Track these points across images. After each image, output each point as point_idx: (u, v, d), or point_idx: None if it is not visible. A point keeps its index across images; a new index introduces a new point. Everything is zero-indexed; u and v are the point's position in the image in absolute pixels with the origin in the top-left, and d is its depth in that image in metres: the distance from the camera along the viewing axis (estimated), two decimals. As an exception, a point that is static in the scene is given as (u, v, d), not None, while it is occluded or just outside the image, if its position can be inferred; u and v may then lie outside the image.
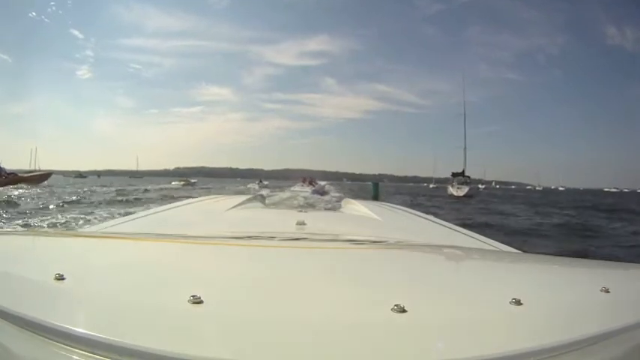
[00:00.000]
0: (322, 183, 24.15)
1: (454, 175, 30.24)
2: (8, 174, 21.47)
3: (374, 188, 18.35)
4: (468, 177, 29.71)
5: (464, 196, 24.85)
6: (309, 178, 26.32)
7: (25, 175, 22.85)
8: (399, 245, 1.16)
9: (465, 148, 34.35)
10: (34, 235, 1.44)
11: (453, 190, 26.51)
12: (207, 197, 2.64)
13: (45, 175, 24.06)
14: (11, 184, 19.42)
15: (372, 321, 0.45)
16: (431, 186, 60.50)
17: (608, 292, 0.58)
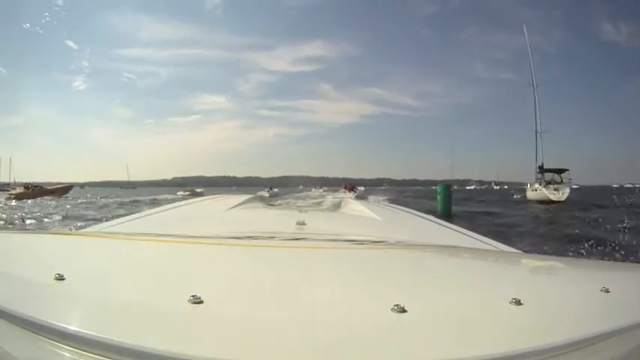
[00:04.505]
0: (361, 189, 23.46)
1: (544, 170, 19.52)
2: (35, 187, 22.42)
3: (443, 194, 10.68)
4: (564, 170, 18.95)
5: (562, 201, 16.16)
6: (349, 184, 25.87)
7: (50, 187, 23.66)
8: (399, 245, 1.16)
9: (536, 132, 21.93)
10: (34, 235, 1.45)
11: (547, 193, 16.93)
12: (207, 197, 2.63)
13: (67, 188, 24.89)
14: (39, 197, 20.01)
15: (372, 321, 0.46)
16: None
17: (608, 292, 0.58)
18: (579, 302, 0.57)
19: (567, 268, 0.94)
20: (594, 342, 0.44)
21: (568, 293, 0.63)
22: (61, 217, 9.77)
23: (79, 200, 18.74)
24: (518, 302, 0.50)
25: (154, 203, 17.67)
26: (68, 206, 14.21)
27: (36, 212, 11.25)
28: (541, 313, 0.51)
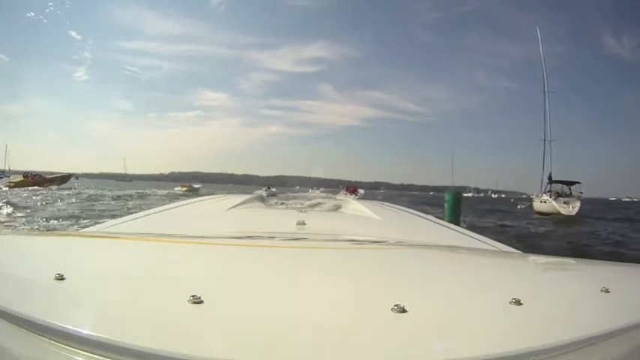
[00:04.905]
0: (362, 192, 23.23)
1: (553, 181, 17.96)
2: (34, 175, 22.87)
3: (451, 202, 9.70)
4: (575, 183, 17.43)
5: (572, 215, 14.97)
6: (351, 186, 25.52)
7: (49, 177, 23.90)
8: (399, 245, 1.15)
9: (545, 140, 20.24)
10: (34, 235, 1.49)
11: (557, 206, 15.61)
12: (208, 197, 2.61)
13: (66, 177, 25.13)
14: (38, 185, 20.44)
15: (372, 321, 0.46)
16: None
17: (608, 292, 0.58)
18: (579, 302, 0.57)
19: (567, 268, 0.94)
20: (594, 342, 0.44)
21: (568, 293, 0.63)
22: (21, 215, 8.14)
23: (65, 192, 18.22)
24: (518, 302, 0.50)
25: (141, 197, 17.23)
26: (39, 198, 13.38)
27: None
28: (541, 313, 0.51)
